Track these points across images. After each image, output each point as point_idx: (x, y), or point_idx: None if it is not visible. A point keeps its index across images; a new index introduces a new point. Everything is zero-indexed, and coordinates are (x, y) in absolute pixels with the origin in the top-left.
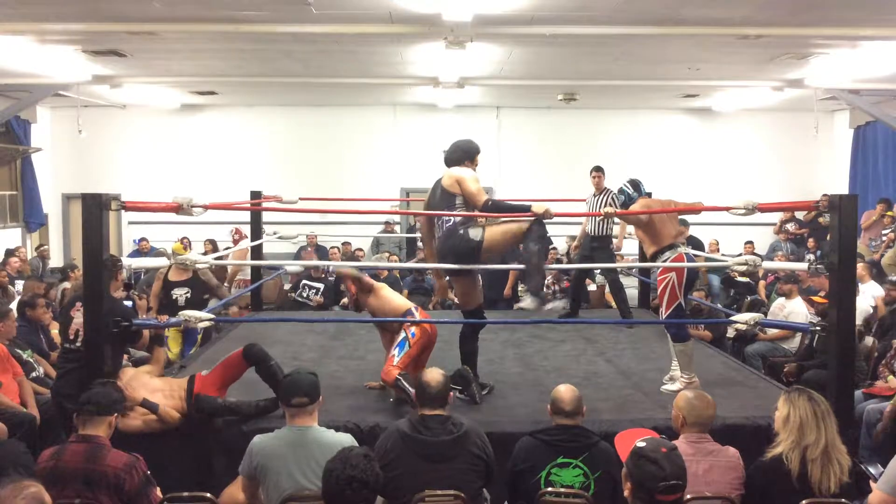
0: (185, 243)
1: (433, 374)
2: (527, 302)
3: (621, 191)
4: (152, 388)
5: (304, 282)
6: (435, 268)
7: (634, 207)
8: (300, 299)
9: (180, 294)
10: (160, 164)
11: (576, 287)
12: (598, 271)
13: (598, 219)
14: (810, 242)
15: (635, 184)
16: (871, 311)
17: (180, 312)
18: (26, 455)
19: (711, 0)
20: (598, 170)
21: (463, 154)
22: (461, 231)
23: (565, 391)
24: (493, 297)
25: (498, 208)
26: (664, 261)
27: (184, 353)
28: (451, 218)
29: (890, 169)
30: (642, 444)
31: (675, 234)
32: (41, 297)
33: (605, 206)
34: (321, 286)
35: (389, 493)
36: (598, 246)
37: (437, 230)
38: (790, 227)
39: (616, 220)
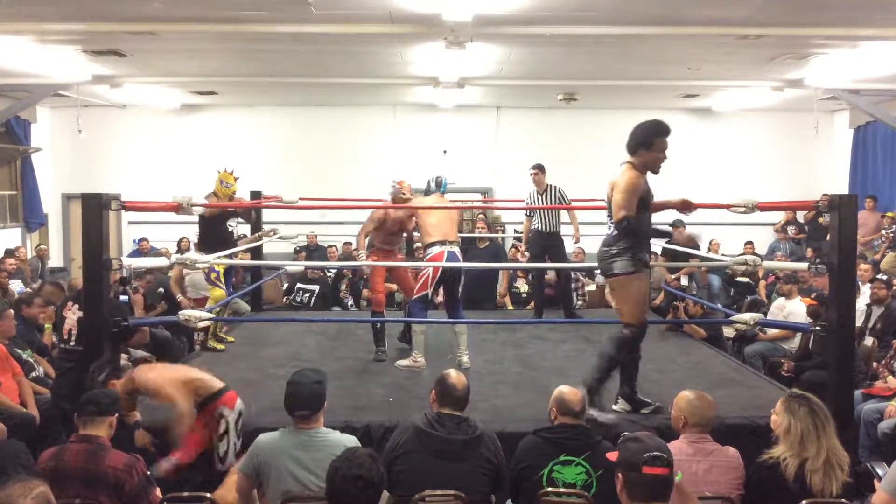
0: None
1: (460, 379)
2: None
3: (432, 182)
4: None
5: (298, 285)
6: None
7: (427, 202)
8: (295, 304)
9: (233, 225)
10: (160, 164)
11: (538, 286)
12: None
13: (549, 217)
14: (809, 251)
15: (439, 181)
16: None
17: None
18: (26, 455)
19: (711, 0)
20: (537, 168)
21: (639, 137)
22: (611, 259)
23: (571, 392)
24: (479, 297)
25: (635, 233)
26: (428, 255)
27: (228, 293)
28: (610, 227)
29: (889, 169)
30: (626, 433)
31: (443, 234)
32: (37, 295)
33: (553, 202)
34: (316, 288)
35: (397, 487)
36: (551, 244)
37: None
38: (791, 230)
39: (565, 213)
